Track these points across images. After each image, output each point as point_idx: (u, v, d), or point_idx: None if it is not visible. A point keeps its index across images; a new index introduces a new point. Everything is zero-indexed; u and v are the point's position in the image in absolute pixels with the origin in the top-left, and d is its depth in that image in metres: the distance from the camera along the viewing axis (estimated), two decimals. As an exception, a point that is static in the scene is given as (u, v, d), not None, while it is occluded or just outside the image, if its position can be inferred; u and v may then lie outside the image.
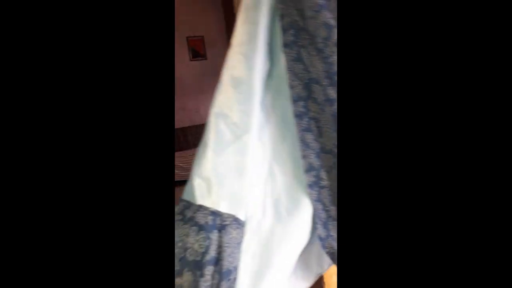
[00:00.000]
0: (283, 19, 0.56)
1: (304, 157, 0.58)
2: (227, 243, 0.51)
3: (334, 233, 0.57)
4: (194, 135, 3.38)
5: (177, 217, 0.54)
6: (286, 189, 0.58)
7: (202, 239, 0.51)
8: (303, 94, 0.57)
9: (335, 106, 0.54)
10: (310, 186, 0.58)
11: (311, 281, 0.64)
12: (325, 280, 0.77)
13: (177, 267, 0.50)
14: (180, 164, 2.77)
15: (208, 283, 0.50)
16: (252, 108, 0.56)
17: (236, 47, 0.58)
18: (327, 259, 0.60)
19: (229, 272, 0.51)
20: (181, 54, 3.37)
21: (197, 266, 0.50)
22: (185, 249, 0.51)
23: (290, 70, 0.57)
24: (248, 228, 0.55)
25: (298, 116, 0.58)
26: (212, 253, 0.50)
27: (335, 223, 0.57)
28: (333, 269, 0.78)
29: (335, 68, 0.53)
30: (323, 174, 0.58)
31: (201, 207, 0.52)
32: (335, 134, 0.56)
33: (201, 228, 0.51)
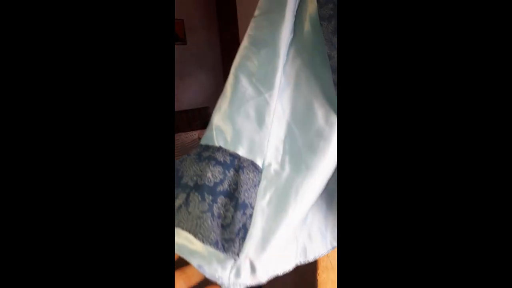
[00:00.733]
0: None
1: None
2: (244, 182, 0.52)
3: None
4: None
5: (193, 156, 0.54)
6: (307, 147, 0.59)
7: (218, 171, 0.51)
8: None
9: None
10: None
11: (325, 251, 0.64)
12: (318, 278, 0.80)
13: (178, 189, 0.49)
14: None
15: (221, 210, 0.49)
16: (276, 69, 0.58)
17: (262, 15, 0.60)
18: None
19: (245, 205, 0.51)
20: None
21: (209, 191, 0.49)
22: (196, 176, 0.50)
23: (328, 41, 0.59)
24: (266, 175, 0.56)
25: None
26: (225, 186, 0.50)
27: None
28: (325, 264, 0.81)
29: None
30: None
31: (220, 148, 0.53)
32: None
33: (218, 163, 0.52)
